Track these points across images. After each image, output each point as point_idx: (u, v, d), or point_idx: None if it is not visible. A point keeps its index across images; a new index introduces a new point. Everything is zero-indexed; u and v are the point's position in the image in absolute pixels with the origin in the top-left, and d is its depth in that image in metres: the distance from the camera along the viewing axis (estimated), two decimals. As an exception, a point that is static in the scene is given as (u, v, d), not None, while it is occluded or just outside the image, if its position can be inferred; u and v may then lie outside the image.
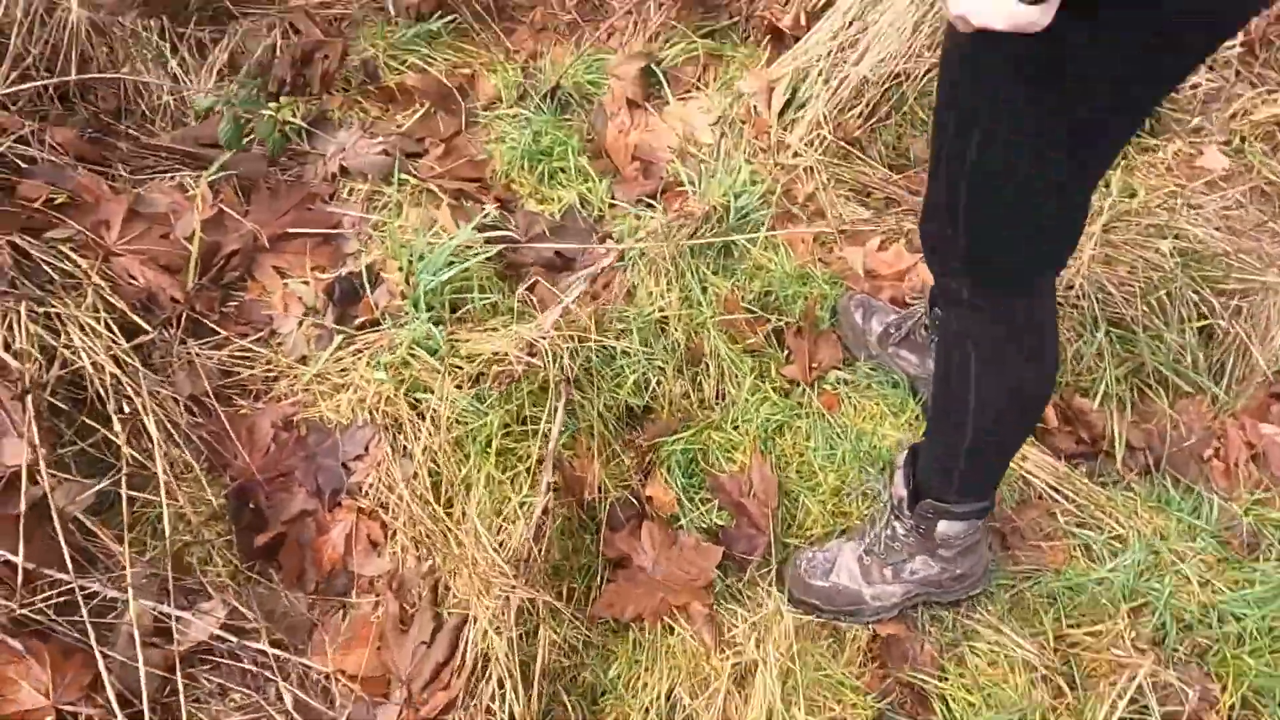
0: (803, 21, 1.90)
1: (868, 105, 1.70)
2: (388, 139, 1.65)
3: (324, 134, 1.68)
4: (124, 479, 1.19)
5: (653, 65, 1.83)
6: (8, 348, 1.22)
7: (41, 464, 1.15)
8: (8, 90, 1.45)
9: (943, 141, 0.92)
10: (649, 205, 1.69)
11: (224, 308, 1.50)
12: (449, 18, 1.83)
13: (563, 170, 1.71)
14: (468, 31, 1.88)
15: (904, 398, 1.50)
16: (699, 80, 1.87)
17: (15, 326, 1.24)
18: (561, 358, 1.29)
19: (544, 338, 1.28)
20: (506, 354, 1.25)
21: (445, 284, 1.40)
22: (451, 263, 1.41)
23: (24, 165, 1.43)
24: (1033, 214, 0.91)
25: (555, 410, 1.24)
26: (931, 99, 1.79)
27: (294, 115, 1.64)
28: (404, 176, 1.63)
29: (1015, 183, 0.88)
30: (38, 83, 1.38)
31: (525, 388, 1.29)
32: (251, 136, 1.47)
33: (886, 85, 1.72)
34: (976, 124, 0.86)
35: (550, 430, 1.23)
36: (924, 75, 1.74)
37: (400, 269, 1.46)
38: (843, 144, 1.73)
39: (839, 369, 1.55)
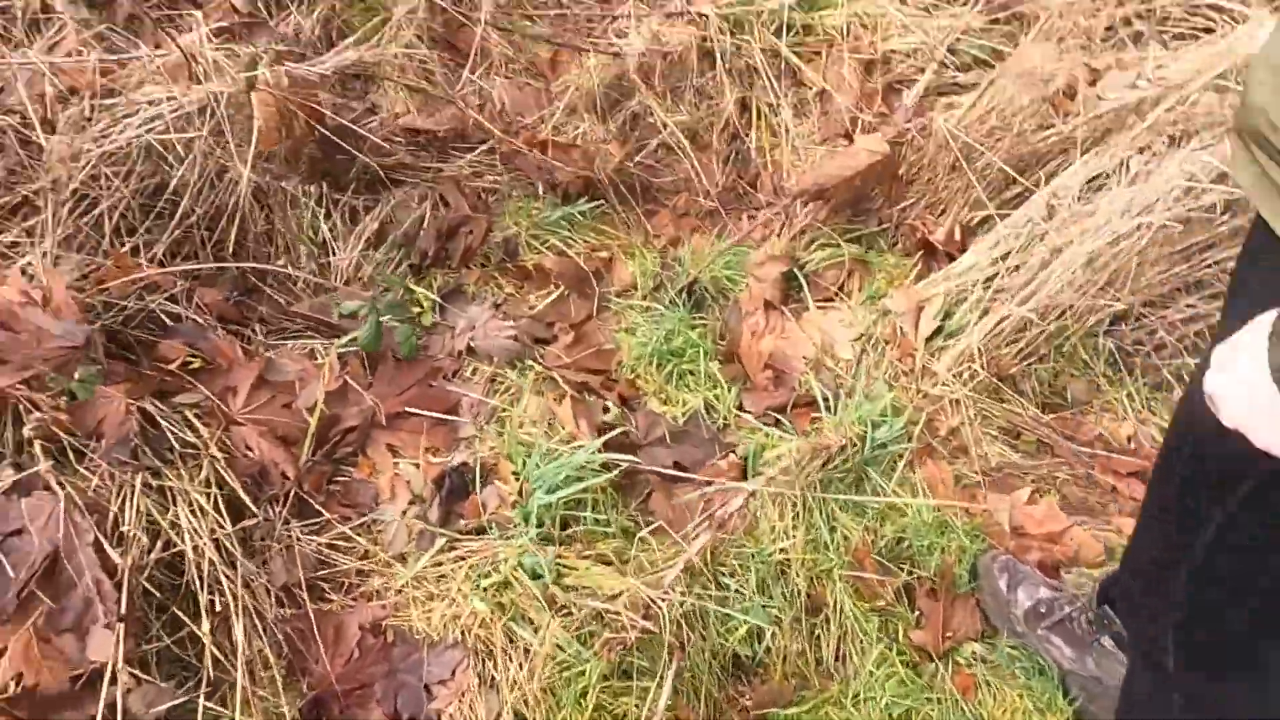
0: (957, 236, 1.82)
1: (1028, 345, 1.58)
2: (518, 323, 1.62)
3: (455, 307, 1.66)
4: (203, 692, 1.12)
5: (794, 269, 1.77)
6: (116, 527, 1.19)
7: (123, 662, 1.10)
8: (168, 247, 1.49)
9: (1174, 502, 0.78)
10: (778, 420, 1.59)
11: (331, 484, 1.45)
12: (596, 202, 1.82)
13: (691, 373, 1.63)
14: (609, 213, 1.87)
15: (1053, 693, 1.31)
16: (842, 287, 1.79)
17: (128, 501, 1.22)
18: (678, 618, 1.17)
19: (663, 599, 1.17)
20: (620, 613, 1.14)
21: (559, 501, 1.32)
22: (567, 478, 1.33)
23: (169, 323, 1.45)
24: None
25: (663, 679, 1.12)
26: (1098, 341, 1.66)
27: (430, 289, 1.63)
28: (529, 363, 1.58)
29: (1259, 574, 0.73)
30: (210, 266, 1.40)
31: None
32: (388, 315, 1.45)
33: (1048, 320, 1.60)
34: (1220, 509, 0.72)
35: (657, 701, 1.11)
36: (1091, 316, 1.61)
37: (514, 473, 1.40)
38: (994, 379, 1.61)
39: (976, 642, 1.38)
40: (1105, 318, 1.61)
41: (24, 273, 1.36)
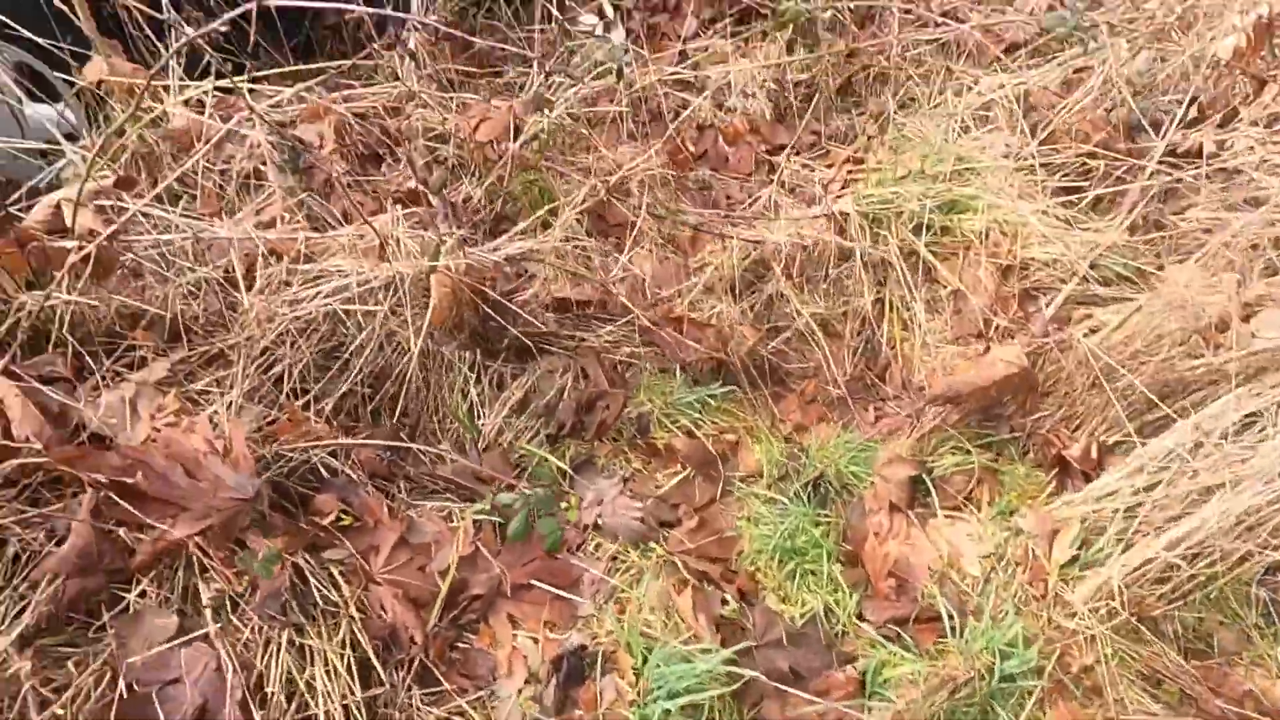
0: (1093, 454, 1.78)
1: (1173, 589, 1.51)
2: (645, 503, 1.66)
3: (585, 478, 1.71)
4: None
5: (922, 474, 1.75)
6: (260, 686, 1.24)
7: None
8: (334, 403, 1.61)
9: None
10: (899, 634, 1.55)
11: (452, 651, 1.49)
12: (728, 387, 1.88)
13: (813, 573, 1.62)
14: (738, 394, 1.92)
15: None
16: (970, 496, 1.76)
17: (274, 659, 1.28)
18: None
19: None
20: None
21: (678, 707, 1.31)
22: (689, 687, 1.32)
23: (325, 475, 1.55)
24: None
25: None
26: (1250, 590, 1.57)
27: (563, 458, 1.70)
28: (652, 545, 1.61)
29: None
30: (402, 445, 1.50)
31: None
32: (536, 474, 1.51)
33: (1196, 564, 1.52)
34: None
35: None
36: (1243, 563, 1.53)
37: (633, 667, 1.40)
38: (1134, 618, 1.53)
39: None
40: (1260, 566, 1.53)
41: (210, 420, 1.48)
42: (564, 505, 1.54)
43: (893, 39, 2.48)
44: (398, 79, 2.21)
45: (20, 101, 1.96)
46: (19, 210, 1.67)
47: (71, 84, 1.89)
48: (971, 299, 2.00)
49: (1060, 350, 1.83)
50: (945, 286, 2.04)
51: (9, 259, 1.43)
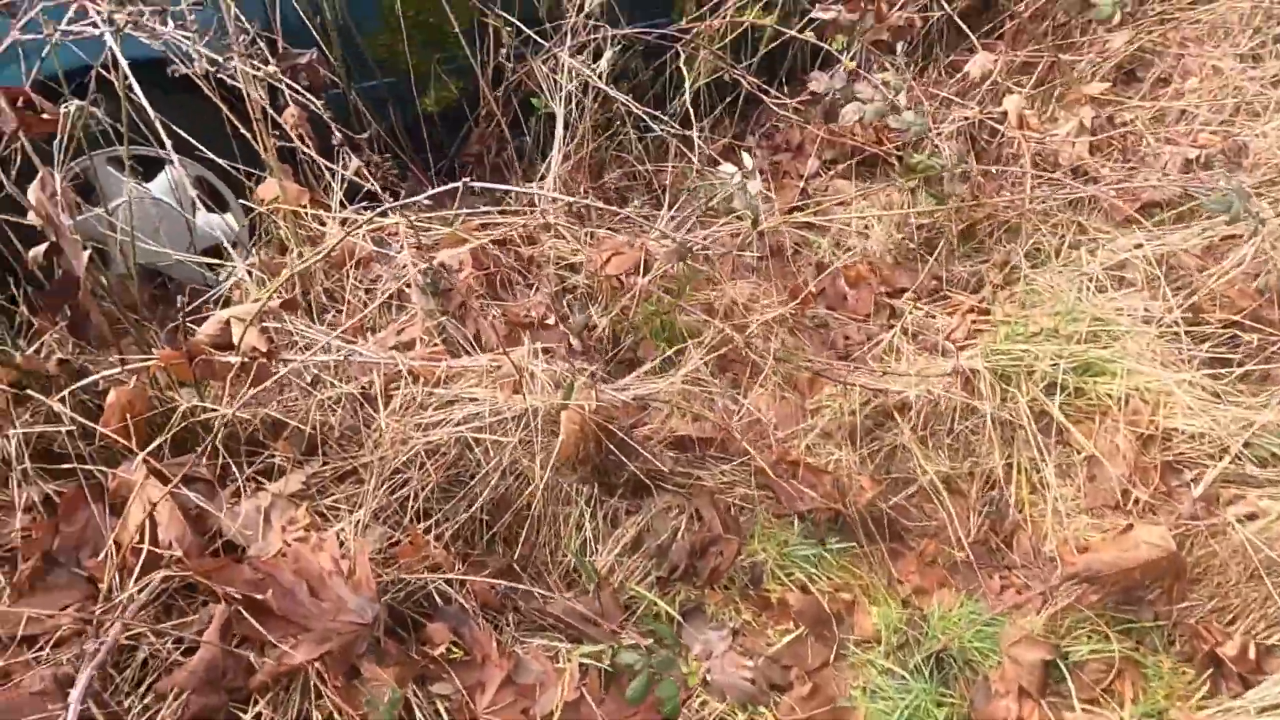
0: (1251, 655, 1.62)
1: (1359, 832, 1.33)
2: (756, 663, 1.58)
3: (694, 627, 1.66)
4: None
5: (1056, 659, 1.63)
6: (362, 830, 1.21)
7: None
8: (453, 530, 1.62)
9: None
10: (1032, 844, 1.41)
11: (547, 806, 1.43)
12: (848, 543, 1.81)
13: (935, 762, 1.51)
14: (854, 549, 1.85)
15: None
16: (1109, 687, 1.62)
17: (376, 801, 1.25)
18: None
19: None
20: None
21: None
22: None
23: (439, 602, 1.55)
24: None
25: None
26: None
27: (673, 603, 1.65)
28: (761, 710, 1.53)
29: None
30: (532, 589, 1.51)
31: None
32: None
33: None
34: None
35: None
36: None
37: None
38: None
39: None
40: None
41: (337, 538, 1.51)
42: (686, 670, 1.49)
43: (1025, 195, 2.47)
44: (533, 208, 2.31)
45: (194, 211, 2.13)
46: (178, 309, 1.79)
47: (249, 210, 2.05)
48: (1108, 467, 1.90)
49: (1211, 535, 1.70)
50: (1079, 452, 1.95)
51: (177, 369, 1.53)
